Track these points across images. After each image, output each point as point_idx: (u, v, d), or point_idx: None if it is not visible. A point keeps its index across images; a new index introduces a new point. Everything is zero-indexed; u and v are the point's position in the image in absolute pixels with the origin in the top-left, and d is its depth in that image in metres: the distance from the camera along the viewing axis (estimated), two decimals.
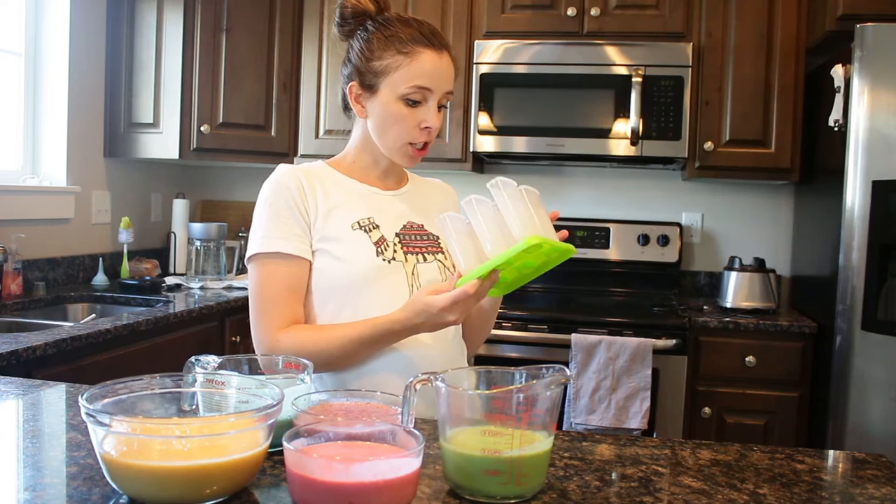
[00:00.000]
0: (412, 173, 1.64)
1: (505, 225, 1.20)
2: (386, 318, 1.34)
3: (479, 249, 1.24)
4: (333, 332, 1.37)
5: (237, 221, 3.66)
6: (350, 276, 1.40)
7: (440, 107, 1.44)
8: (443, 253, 1.50)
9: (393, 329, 1.33)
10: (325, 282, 1.42)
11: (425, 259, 1.47)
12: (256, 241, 1.41)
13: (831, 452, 1.25)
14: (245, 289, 2.99)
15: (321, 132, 3.31)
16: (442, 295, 1.26)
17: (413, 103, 1.41)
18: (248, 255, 1.44)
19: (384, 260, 1.42)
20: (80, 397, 0.91)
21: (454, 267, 1.49)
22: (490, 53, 3.05)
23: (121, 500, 0.90)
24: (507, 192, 1.20)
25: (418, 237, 1.48)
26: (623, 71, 2.95)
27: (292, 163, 3.25)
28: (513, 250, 1.18)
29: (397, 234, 1.46)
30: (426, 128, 1.41)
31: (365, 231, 1.43)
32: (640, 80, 2.89)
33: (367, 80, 1.44)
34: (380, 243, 1.44)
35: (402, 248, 1.45)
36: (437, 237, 1.52)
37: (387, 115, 1.42)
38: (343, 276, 1.40)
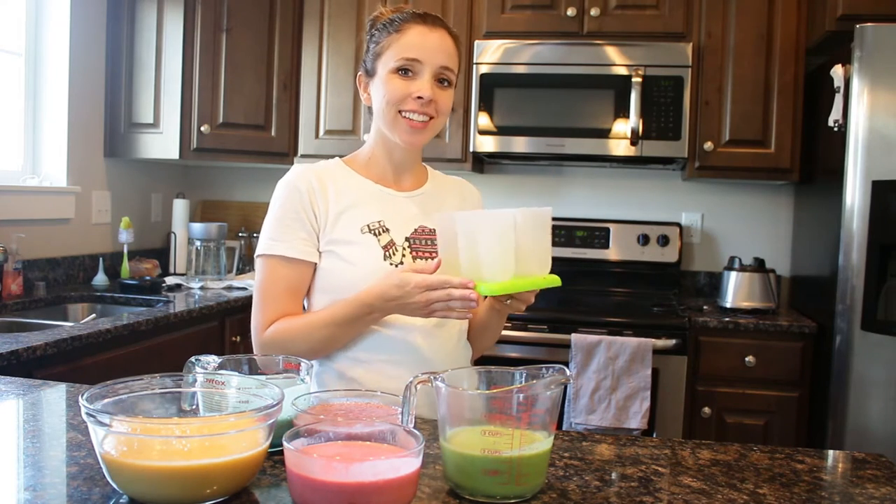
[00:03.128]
0: (435, 172, 1.63)
1: (510, 251, 1.23)
2: (361, 292, 1.35)
3: (474, 255, 1.25)
4: (312, 319, 1.41)
5: (237, 221, 3.66)
6: (356, 279, 1.40)
7: (442, 81, 1.44)
8: None
9: (367, 301, 1.34)
10: (332, 283, 1.43)
11: None
12: (263, 242, 1.45)
13: (831, 452, 1.25)
14: (245, 289, 2.99)
15: (321, 132, 3.31)
16: (419, 275, 1.27)
17: (405, 73, 1.43)
18: (256, 252, 1.47)
19: (391, 264, 1.43)
20: (80, 397, 0.91)
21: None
22: (490, 53, 3.05)
23: (121, 500, 0.90)
24: (524, 219, 1.23)
25: (429, 242, 1.48)
26: (623, 71, 2.95)
27: (292, 163, 3.27)
28: (505, 287, 1.24)
29: (407, 239, 1.47)
30: (419, 98, 1.41)
31: (374, 234, 1.44)
32: (639, 80, 2.89)
33: (368, 66, 1.49)
34: (388, 247, 1.44)
35: (410, 253, 1.45)
36: None
37: (382, 89, 1.44)
38: (350, 278, 1.40)
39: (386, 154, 1.51)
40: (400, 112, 1.43)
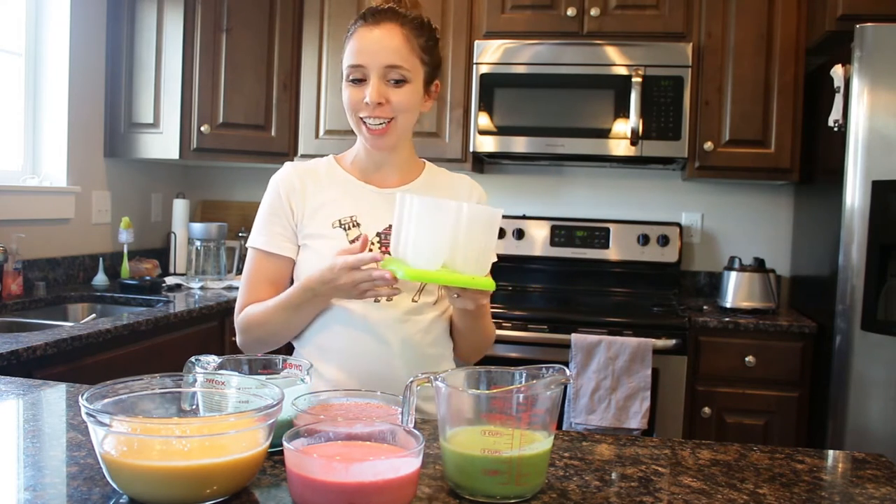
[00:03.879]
0: (435, 169, 1.62)
1: (442, 241, 1.22)
2: (306, 278, 1.40)
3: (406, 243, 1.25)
4: (270, 303, 1.47)
5: (237, 221, 3.66)
6: None
7: (397, 81, 1.42)
8: None
9: (308, 286, 1.39)
10: (305, 274, 1.46)
11: None
12: (252, 234, 1.53)
13: (831, 452, 1.25)
14: None
15: (321, 132, 3.31)
16: (342, 256, 1.31)
17: (356, 81, 1.44)
18: (247, 242, 1.55)
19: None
20: (80, 397, 0.91)
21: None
22: (490, 53, 3.05)
23: (121, 500, 0.90)
24: (468, 216, 1.22)
25: None
26: (623, 71, 2.95)
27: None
28: (423, 276, 1.24)
29: (379, 234, 1.48)
30: (366, 102, 1.42)
31: (344, 229, 1.48)
32: (639, 80, 2.89)
33: (342, 71, 1.51)
34: (356, 241, 1.45)
35: (379, 248, 1.47)
36: None
37: (343, 99, 1.47)
38: (317, 269, 1.42)
39: (366, 153, 1.53)
40: (361, 119, 1.45)
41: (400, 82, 1.43)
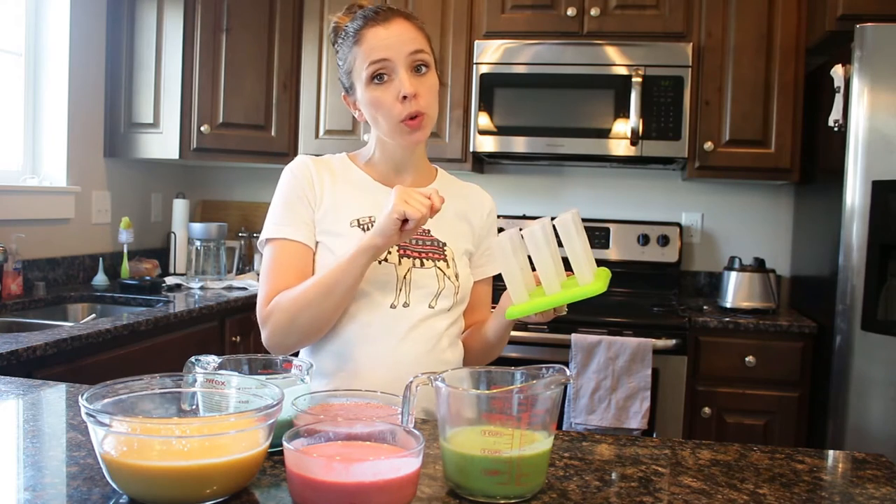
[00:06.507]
0: (447, 176, 1.59)
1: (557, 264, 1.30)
2: (360, 242, 1.32)
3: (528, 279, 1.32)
4: (308, 282, 1.37)
5: (237, 221, 3.66)
6: None
7: (417, 69, 1.40)
8: (444, 261, 1.47)
9: (370, 242, 1.30)
10: (318, 272, 1.43)
11: (423, 264, 1.44)
12: (269, 227, 1.45)
13: (831, 452, 1.25)
14: (245, 289, 2.99)
15: (321, 132, 3.31)
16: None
17: (380, 80, 1.40)
18: (260, 239, 1.47)
19: (375, 260, 1.41)
20: (80, 397, 0.91)
21: (457, 277, 1.47)
22: (490, 53, 3.05)
23: (121, 500, 0.90)
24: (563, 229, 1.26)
25: (420, 242, 1.46)
26: (623, 71, 2.95)
27: None
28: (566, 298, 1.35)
29: None
30: (404, 97, 1.38)
31: (363, 229, 1.43)
32: (639, 80, 2.89)
33: (345, 84, 1.49)
34: None
35: (398, 251, 1.43)
36: (444, 243, 1.48)
37: (368, 106, 1.42)
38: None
39: (386, 156, 1.50)
40: (397, 121, 1.40)
41: (424, 68, 1.41)
